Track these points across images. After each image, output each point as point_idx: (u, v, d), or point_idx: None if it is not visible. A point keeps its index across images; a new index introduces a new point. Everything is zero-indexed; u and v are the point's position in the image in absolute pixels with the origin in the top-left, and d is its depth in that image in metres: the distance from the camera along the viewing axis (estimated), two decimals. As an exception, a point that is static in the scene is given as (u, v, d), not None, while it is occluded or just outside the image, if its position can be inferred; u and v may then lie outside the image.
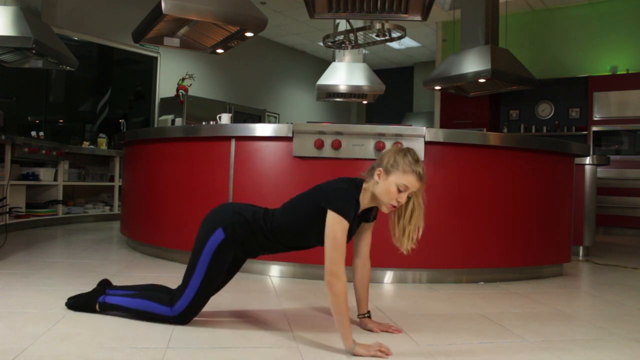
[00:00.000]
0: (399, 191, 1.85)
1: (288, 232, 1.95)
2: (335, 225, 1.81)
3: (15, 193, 4.87)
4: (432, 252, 3.06)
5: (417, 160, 1.88)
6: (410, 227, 1.90)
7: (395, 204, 1.87)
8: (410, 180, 1.85)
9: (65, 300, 2.20)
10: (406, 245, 1.92)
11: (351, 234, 1.94)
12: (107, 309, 2.11)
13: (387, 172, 1.87)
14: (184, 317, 2.02)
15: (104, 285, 2.23)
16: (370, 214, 2.04)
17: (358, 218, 1.97)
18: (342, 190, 1.87)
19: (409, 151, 1.90)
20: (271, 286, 2.91)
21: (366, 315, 2.12)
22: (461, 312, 2.48)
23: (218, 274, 1.99)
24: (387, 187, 1.86)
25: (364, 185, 1.93)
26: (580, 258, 4.47)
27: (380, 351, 1.76)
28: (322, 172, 3.12)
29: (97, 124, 7.38)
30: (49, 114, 6.81)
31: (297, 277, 3.13)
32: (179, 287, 2.04)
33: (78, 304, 2.16)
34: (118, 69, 7.83)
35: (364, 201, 1.93)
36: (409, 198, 1.90)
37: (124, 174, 4.51)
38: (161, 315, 2.02)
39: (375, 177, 1.89)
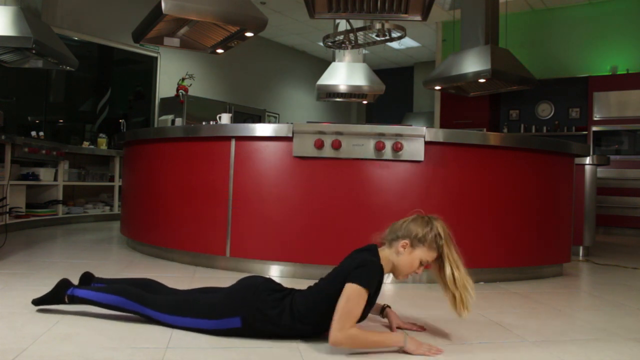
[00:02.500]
0: (420, 264, 1.90)
1: (318, 311, 1.83)
2: (354, 294, 1.74)
3: (15, 193, 4.87)
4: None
5: (441, 234, 1.88)
6: (458, 292, 1.84)
7: (412, 274, 1.93)
8: (433, 257, 1.89)
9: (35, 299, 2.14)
10: (462, 311, 1.84)
11: (372, 302, 1.93)
12: (77, 302, 2.07)
13: (413, 245, 1.89)
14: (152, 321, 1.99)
15: (88, 279, 2.25)
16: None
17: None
18: (368, 265, 1.82)
19: (435, 222, 1.90)
20: (271, 286, 2.90)
21: (386, 306, 2.10)
22: (461, 312, 2.47)
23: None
24: (412, 260, 1.89)
25: (383, 252, 1.92)
26: (580, 258, 4.47)
27: (430, 351, 1.78)
28: (322, 172, 3.12)
29: (97, 124, 7.38)
30: (49, 114, 6.81)
31: (297, 277, 3.13)
32: (169, 304, 1.98)
33: (47, 297, 2.11)
34: (118, 69, 7.83)
35: (386, 269, 1.92)
36: (442, 261, 1.88)
37: (124, 174, 4.51)
38: (131, 310, 1.99)
39: (400, 247, 1.90)
